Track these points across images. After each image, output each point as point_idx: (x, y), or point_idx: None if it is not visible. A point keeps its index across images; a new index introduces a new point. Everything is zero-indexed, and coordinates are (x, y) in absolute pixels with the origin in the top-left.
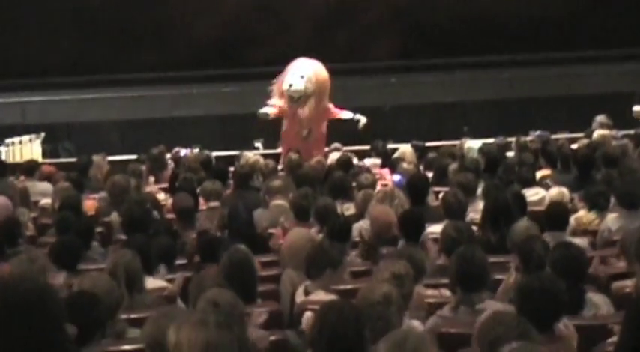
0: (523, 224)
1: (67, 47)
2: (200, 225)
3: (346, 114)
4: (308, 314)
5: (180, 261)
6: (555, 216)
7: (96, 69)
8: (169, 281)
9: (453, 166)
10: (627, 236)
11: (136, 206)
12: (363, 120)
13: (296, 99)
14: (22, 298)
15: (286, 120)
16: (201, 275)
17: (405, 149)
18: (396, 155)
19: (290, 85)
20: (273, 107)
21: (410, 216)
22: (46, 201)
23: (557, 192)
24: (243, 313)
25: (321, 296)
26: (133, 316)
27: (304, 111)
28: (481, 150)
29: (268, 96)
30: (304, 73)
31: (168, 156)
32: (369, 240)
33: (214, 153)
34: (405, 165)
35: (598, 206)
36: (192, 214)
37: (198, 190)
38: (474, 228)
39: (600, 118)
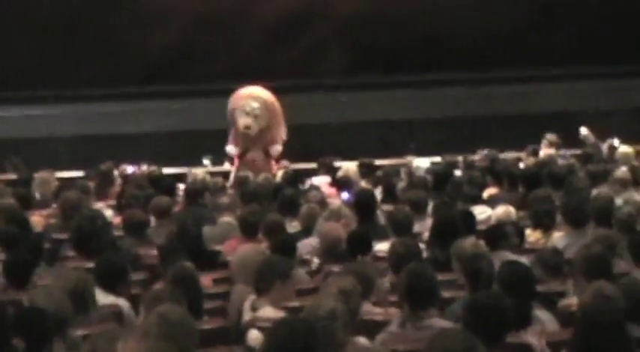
0: (469, 242)
1: (15, 62)
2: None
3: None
4: (254, 332)
5: (135, 277)
6: (506, 233)
7: (45, 84)
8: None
9: (401, 184)
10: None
11: (87, 222)
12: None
13: (254, 136)
14: None
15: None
16: (152, 292)
17: (348, 166)
18: (339, 173)
19: (246, 127)
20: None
21: (357, 234)
22: None
23: (503, 210)
24: (195, 329)
25: (269, 313)
26: (80, 332)
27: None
28: (430, 168)
29: (215, 112)
30: (255, 109)
31: (116, 173)
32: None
33: (164, 170)
34: (362, 183)
35: (544, 224)
36: (145, 229)
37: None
38: (422, 245)
39: (549, 137)
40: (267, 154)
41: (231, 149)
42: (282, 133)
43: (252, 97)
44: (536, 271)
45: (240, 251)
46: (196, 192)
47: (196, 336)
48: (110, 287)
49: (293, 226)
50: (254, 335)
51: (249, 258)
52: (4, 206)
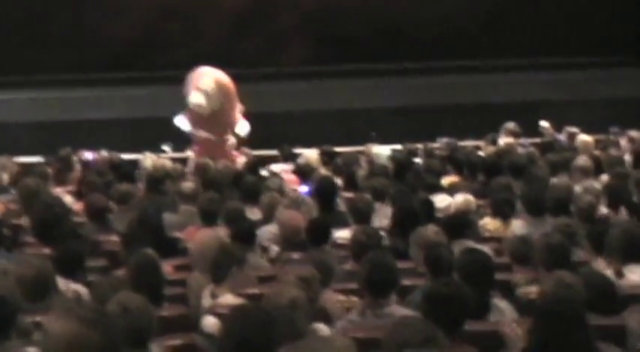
0: (429, 230)
1: None
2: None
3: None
4: (209, 319)
5: (93, 264)
6: (465, 222)
7: (5, 69)
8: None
9: (362, 172)
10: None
11: (47, 208)
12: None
13: (205, 115)
14: None
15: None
16: (107, 279)
17: (309, 154)
18: (300, 161)
19: (199, 105)
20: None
21: (317, 222)
22: None
23: (462, 199)
24: (153, 317)
25: (229, 299)
26: (41, 319)
27: (213, 123)
28: (391, 156)
29: (177, 100)
30: (210, 89)
31: (76, 158)
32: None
33: (122, 156)
34: (323, 171)
35: (503, 213)
36: (106, 215)
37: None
38: (383, 233)
39: (509, 126)
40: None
41: (181, 121)
42: (237, 116)
43: (205, 76)
44: (498, 259)
45: (197, 238)
46: (157, 180)
47: (155, 323)
48: (69, 274)
49: (254, 213)
50: (210, 322)
51: (206, 244)
52: None
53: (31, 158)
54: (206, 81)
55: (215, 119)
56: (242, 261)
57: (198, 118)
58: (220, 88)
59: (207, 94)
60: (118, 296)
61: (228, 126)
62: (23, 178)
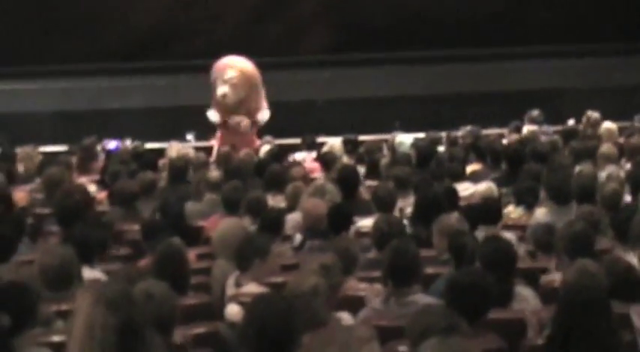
0: (452, 218)
1: None
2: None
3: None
4: (233, 307)
5: (115, 253)
6: (489, 210)
7: (28, 59)
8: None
9: (385, 160)
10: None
11: (69, 197)
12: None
13: (231, 106)
14: None
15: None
16: (128, 268)
17: (333, 143)
18: (324, 149)
19: (223, 96)
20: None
21: (338, 209)
22: None
23: (485, 187)
24: (177, 305)
25: (252, 288)
26: (65, 308)
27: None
28: (414, 144)
29: (199, 89)
30: (232, 78)
31: (99, 147)
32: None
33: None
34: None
35: (526, 202)
36: (134, 202)
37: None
38: (406, 222)
39: (533, 114)
40: (251, 123)
41: (212, 115)
42: (263, 102)
43: (229, 66)
44: (521, 248)
45: (220, 226)
46: (180, 169)
47: (178, 312)
48: (92, 263)
49: (277, 201)
50: (233, 310)
51: (229, 233)
52: None
53: (54, 147)
54: (230, 71)
55: (241, 108)
56: (265, 253)
57: (225, 109)
58: (244, 77)
59: (231, 85)
60: (142, 284)
61: (253, 113)
62: (47, 168)
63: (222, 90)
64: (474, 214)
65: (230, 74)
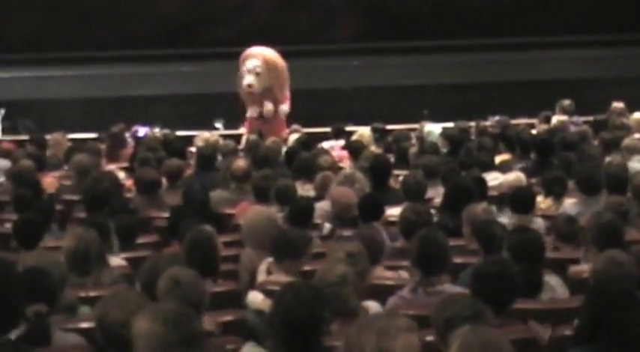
0: (480, 207)
1: (28, 23)
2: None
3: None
4: (255, 295)
5: (142, 240)
6: (522, 198)
7: (57, 46)
8: (127, 259)
9: (414, 149)
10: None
11: (98, 183)
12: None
13: (258, 94)
14: None
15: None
16: (156, 255)
17: (362, 132)
18: (353, 138)
19: (248, 85)
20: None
21: (368, 199)
22: (3, 179)
23: (514, 176)
24: (205, 292)
25: (280, 277)
26: (92, 294)
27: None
28: (443, 133)
29: (227, 76)
30: (257, 66)
31: (128, 134)
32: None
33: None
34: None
35: (555, 192)
36: (157, 190)
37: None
38: (433, 211)
39: (564, 103)
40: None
41: (252, 112)
42: (286, 93)
43: (253, 56)
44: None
45: (248, 215)
46: (208, 157)
47: (207, 298)
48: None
49: (306, 189)
50: (256, 298)
51: (257, 222)
52: (19, 168)
53: (83, 134)
54: (254, 60)
55: (267, 97)
56: (300, 254)
57: (251, 98)
58: (269, 65)
59: (256, 74)
60: (170, 271)
61: (277, 103)
62: (75, 154)
63: (247, 79)
64: (509, 202)
65: (254, 63)
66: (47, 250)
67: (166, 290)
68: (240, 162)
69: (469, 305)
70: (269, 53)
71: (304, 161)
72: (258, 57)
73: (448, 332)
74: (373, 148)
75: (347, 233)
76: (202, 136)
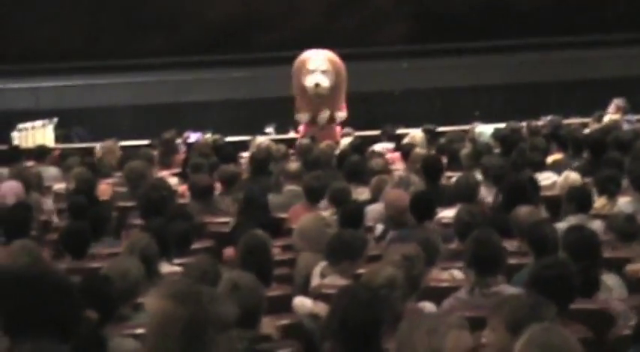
0: (527, 209)
1: (80, 32)
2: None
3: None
4: (301, 300)
5: (196, 246)
6: (579, 197)
7: (108, 54)
8: (182, 265)
9: (465, 151)
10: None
11: (153, 190)
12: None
13: (323, 96)
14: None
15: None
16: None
17: (415, 134)
18: (405, 140)
19: (317, 85)
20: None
21: (420, 198)
22: (59, 186)
23: (568, 176)
24: (263, 296)
25: (336, 280)
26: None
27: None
28: (494, 134)
29: (278, 81)
30: (323, 67)
31: (179, 141)
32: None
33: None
34: (418, 150)
35: (609, 191)
36: (211, 195)
37: (213, 175)
38: (487, 212)
39: (617, 101)
40: (332, 120)
41: (301, 117)
42: (344, 100)
43: (315, 56)
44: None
45: (302, 220)
46: (262, 161)
47: (265, 303)
48: (175, 255)
49: (358, 192)
50: (304, 303)
51: (311, 226)
52: (75, 174)
53: (135, 141)
54: (317, 60)
55: (331, 98)
56: (357, 256)
57: (317, 98)
58: (333, 64)
59: (322, 72)
60: (229, 274)
61: (337, 107)
62: (128, 161)
63: (313, 78)
64: (566, 202)
65: (318, 63)
66: (106, 257)
67: (225, 294)
68: (294, 164)
69: (528, 297)
70: (331, 54)
71: (355, 164)
72: (321, 57)
73: (512, 332)
74: (418, 149)
75: (400, 234)
76: (255, 141)
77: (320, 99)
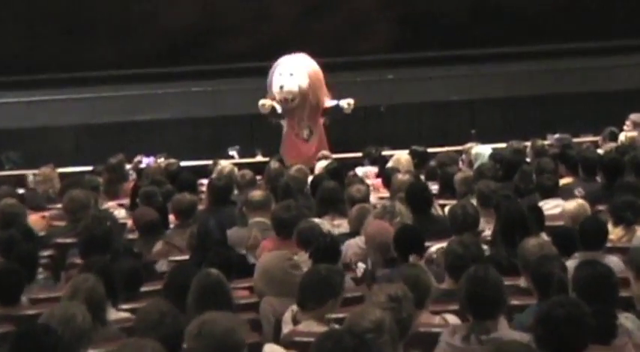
0: (535, 241)
1: (13, 42)
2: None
3: (330, 103)
4: (271, 347)
5: (146, 288)
6: (591, 232)
7: (46, 66)
8: (131, 310)
9: (461, 175)
10: None
11: (96, 224)
12: (346, 103)
13: (291, 101)
14: None
15: (285, 124)
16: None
17: (399, 156)
18: (389, 163)
19: (281, 87)
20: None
21: (407, 230)
22: None
23: (575, 204)
24: (242, 343)
25: (311, 326)
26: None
27: (301, 112)
28: (493, 156)
29: (243, 96)
30: (293, 70)
31: (129, 166)
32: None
33: (182, 163)
34: (399, 176)
35: (626, 219)
36: (159, 230)
37: (167, 205)
38: (485, 246)
39: (634, 117)
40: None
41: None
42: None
43: (284, 60)
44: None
45: (264, 260)
46: (222, 189)
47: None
48: (122, 300)
49: (335, 224)
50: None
51: (274, 266)
52: (3, 206)
53: (77, 168)
54: (292, 64)
55: (303, 102)
56: (340, 292)
57: (285, 102)
58: (308, 72)
59: (291, 75)
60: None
61: (315, 109)
62: (69, 190)
63: (280, 81)
64: (571, 238)
65: (288, 66)
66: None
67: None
68: (259, 192)
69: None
70: (307, 58)
71: (330, 191)
72: (292, 60)
73: None
74: (400, 176)
75: (385, 274)
76: (217, 166)
77: (287, 104)
